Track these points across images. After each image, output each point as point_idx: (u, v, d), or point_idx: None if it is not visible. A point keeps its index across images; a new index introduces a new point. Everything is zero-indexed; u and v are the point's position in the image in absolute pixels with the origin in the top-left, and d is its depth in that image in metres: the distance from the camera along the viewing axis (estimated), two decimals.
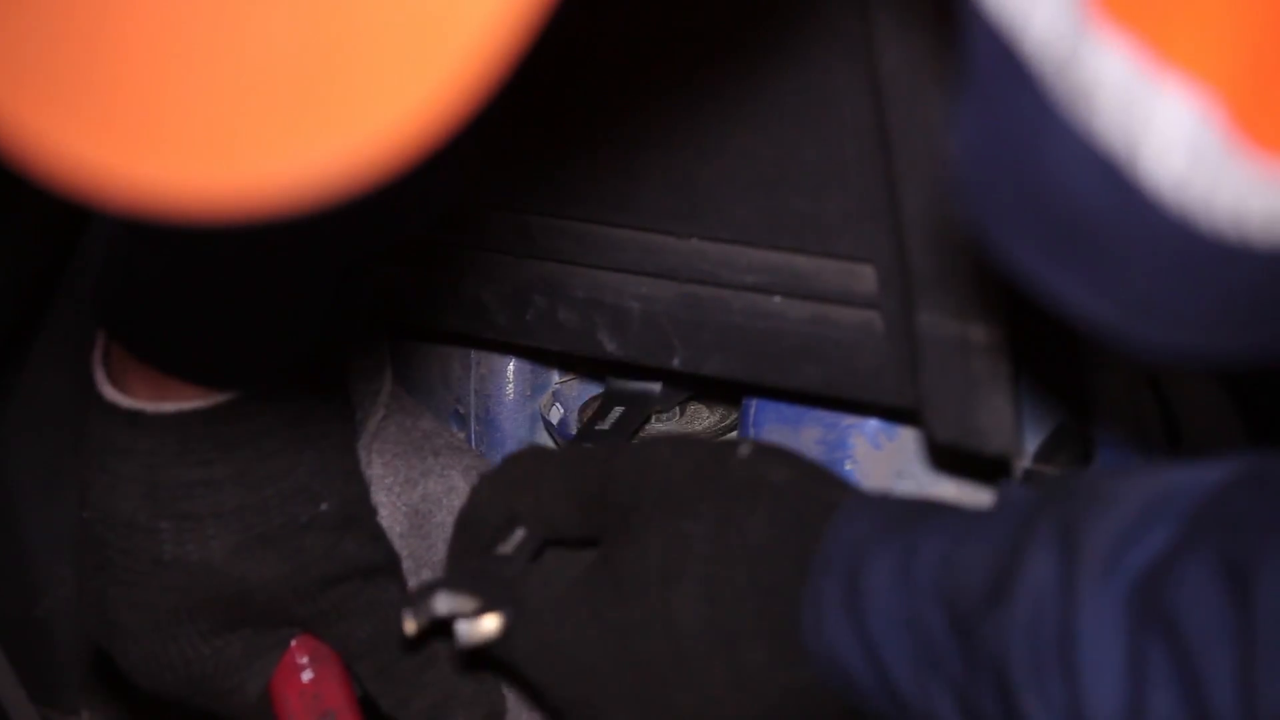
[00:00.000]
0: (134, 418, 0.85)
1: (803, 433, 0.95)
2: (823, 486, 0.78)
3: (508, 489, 0.82)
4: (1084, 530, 0.65)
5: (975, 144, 0.51)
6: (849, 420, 0.94)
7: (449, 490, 0.96)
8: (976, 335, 0.81)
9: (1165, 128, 0.46)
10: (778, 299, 0.87)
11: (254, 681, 0.90)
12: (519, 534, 0.82)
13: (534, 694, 0.84)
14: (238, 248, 0.84)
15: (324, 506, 0.87)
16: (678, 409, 1.04)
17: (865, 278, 0.84)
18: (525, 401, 1.06)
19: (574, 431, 1.02)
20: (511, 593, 0.80)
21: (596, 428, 1.00)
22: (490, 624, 0.79)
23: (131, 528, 0.86)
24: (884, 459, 0.94)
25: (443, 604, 0.78)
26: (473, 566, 0.83)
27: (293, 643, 0.90)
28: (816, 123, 0.82)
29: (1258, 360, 0.53)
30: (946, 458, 0.92)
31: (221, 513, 0.85)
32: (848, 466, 0.95)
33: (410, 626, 0.79)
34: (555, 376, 1.07)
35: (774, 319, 0.87)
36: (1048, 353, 0.87)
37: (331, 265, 0.86)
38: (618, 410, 1.01)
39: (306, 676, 0.90)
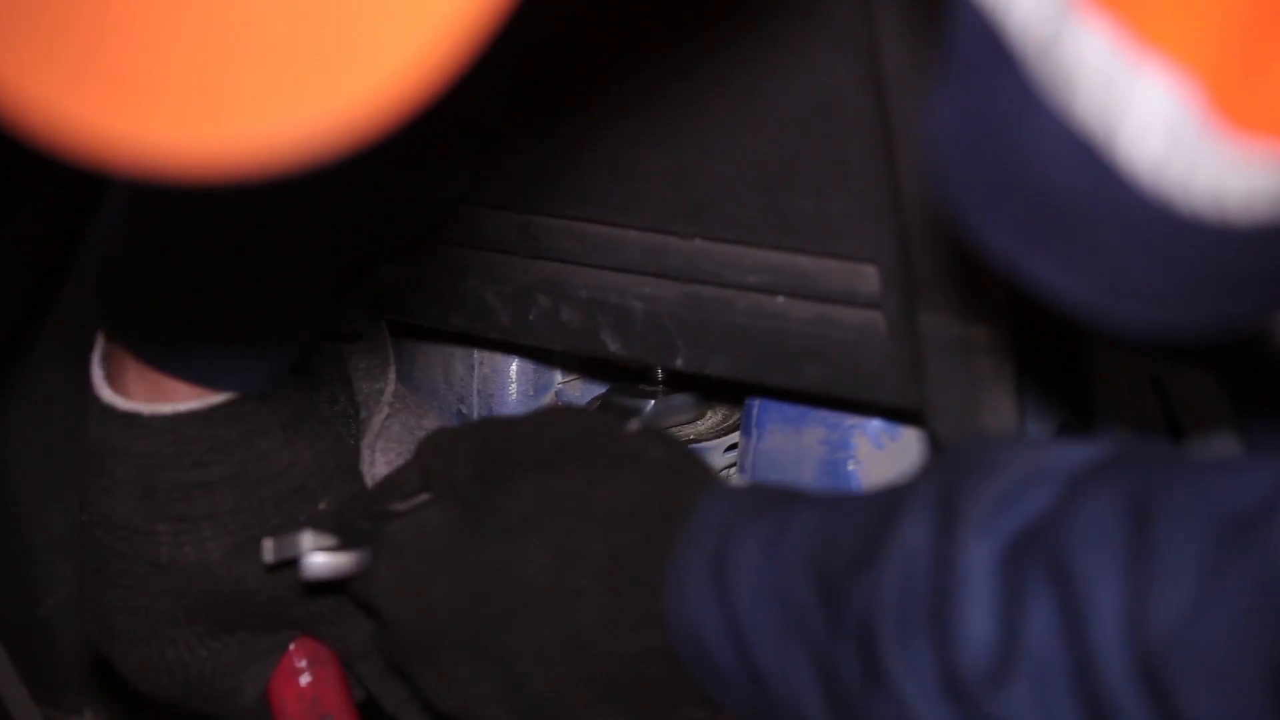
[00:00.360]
0: (131, 420, 0.85)
1: (805, 433, 0.95)
2: (698, 468, 0.78)
3: (421, 454, 0.83)
4: (962, 494, 0.64)
5: (956, 127, 0.51)
6: (851, 420, 0.94)
7: None
8: (979, 335, 0.81)
9: (1143, 110, 0.46)
10: (781, 299, 0.87)
11: (252, 685, 0.90)
12: (421, 497, 0.82)
13: (384, 639, 0.84)
14: (238, 248, 0.84)
15: (321, 506, 0.87)
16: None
17: (868, 278, 0.84)
18: (528, 402, 1.06)
19: None
20: (379, 538, 0.80)
21: None
22: (339, 560, 0.80)
23: (128, 530, 0.86)
24: (886, 459, 0.94)
25: (306, 541, 0.79)
26: (350, 514, 0.83)
27: (291, 646, 0.90)
28: (820, 123, 0.82)
29: (1230, 330, 0.54)
30: None
31: (218, 514, 0.86)
32: (850, 466, 0.95)
33: (269, 557, 0.80)
34: (558, 377, 1.07)
35: (777, 319, 0.87)
36: (1050, 352, 0.87)
37: (330, 268, 0.86)
38: None
39: (305, 680, 0.90)
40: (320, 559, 0.79)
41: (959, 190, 0.52)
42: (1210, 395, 0.86)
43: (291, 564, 0.81)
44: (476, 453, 0.80)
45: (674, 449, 0.78)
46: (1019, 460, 0.65)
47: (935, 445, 0.91)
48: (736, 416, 1.02)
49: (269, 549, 0.81)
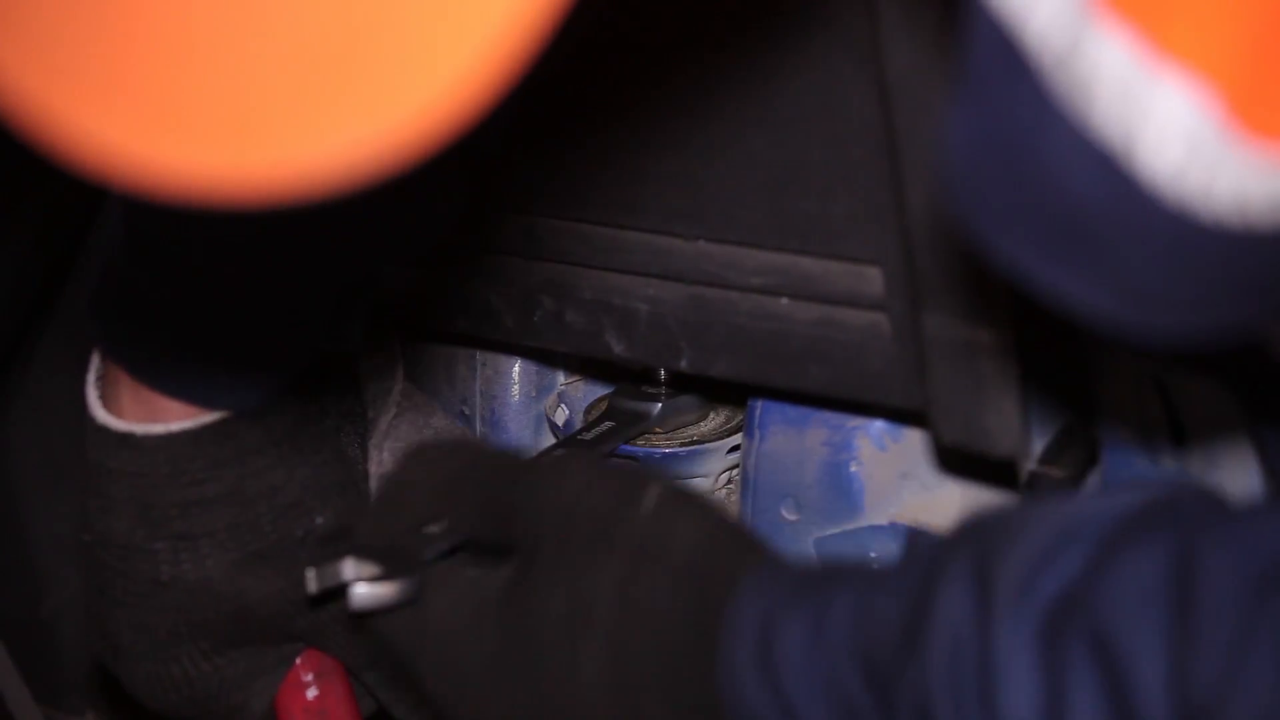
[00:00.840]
0: (125, 440, 0.85)
1: (808, 434, 0.95)
2: (728, 552, 0.75)
3: (432, 494, 0.82)
4: (996, 564, 0.64)
5: (971, 138, 0.51)
6: (854, 422, 0.94)
7: None
8: (983, 337, 0.81)
9: (1163, 118, 0.46)
10: (784, 301, 0.87)
11: (258, 699, 0.90)
12: (441, 532, 0.82)
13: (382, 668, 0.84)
14: (235, 269, 0.84)
15: (319, 520, 0.87)
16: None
17: (872, 280, 0.84)
18: (530, 403, 1.06)
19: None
20: (417, 571, 0.80)
21: (580, 436, 1.00)
22: (384, 590, 0.80)
23: (128, 549, 0.86)
24: (889, 460, 0.95)
25: (349, 570, 0.79)
26: (386, 540, 0.83)
27: (298, 659, 0.90)
28: (823, 125, 0.82)
29: (1244, 333, 0.54)
30: (952, 459, 0.93)
31: (215, 531, 0.86)
32: (853, 468, 0.95)
33: (312, 587, 0.80)
34: (560, 378, 1.07)
35: (781, 321, 0.87)
36: (1054, 354, 0.87)
37: (326, 289, 0.86)
38: (607, 424, 1.01)
39: (311, 693, 0.90)
40: (365, 589, 0.79)
41: (972, 201, 0.52)
42: (1216, 399, 0.86)
43: (334, 593, 0.81)
44: (488, 510, 0.79)
45: (700, 528, 0.76)
46: (1048, 519, 0.64)
47: (939, 447, 0.91)
48: (739, 418, 1.02)
49: (312, 579, 0.80)
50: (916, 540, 0.71)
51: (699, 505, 0.75)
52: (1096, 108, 0.47)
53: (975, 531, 0.67)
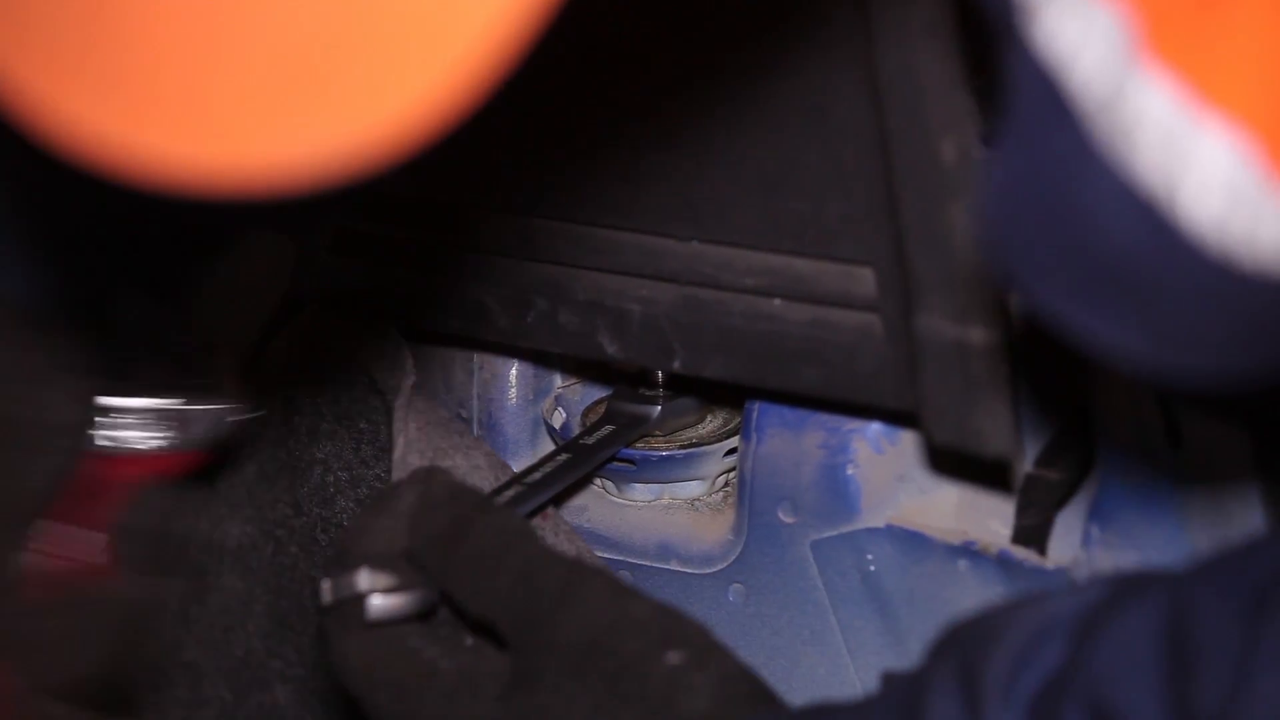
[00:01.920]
0: None
1: (805, 437, 0.95)
2: (740, 711, 0.73)
3: (433, 552, 0.80)
4: (979, 668, 0.64)
5: (1012, 182, 0.51)
6: (851, 424, 0.94)
7: (473, 468, 0.96)
8: (975, 338, 0.81)
9: (1205, 167, 0.46)
10: (777, 302, 0.87)
11: None
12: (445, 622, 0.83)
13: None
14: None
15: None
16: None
17: (864, 280, 0.84)
18: (528, 405, 1.06)
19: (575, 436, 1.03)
20: (430, 582, 0.80)
21: (582, 441, 1.00)
22: (400, 601, 0.80)
23: None
24: (885, 463, 0.94)
25: (364, 580, 0.79)
26: (396, 550, 0.83)
27: None
28: (816, 126, 0.82)
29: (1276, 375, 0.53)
30: (948, 462, 0.92)
31: None
32: (849, 471, 0.95)
33: (327, 597, 0.80)
34: (558, 380, 1.07)
35: (773, 322, 0.87)
36: (1049, 357, 0.87)
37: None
38: (607, 428, 1.01)
39: None
40: (381, 600, 0.80)
41: (1009, 246, 0.52)
42: (1212, 399, 0.86)
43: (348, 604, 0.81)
44: (490, 602, 0.77)
45: (714, 696, 0.74)
46: (1024, 620, 0.65)
47: (933, 449, 0.91)
48: (736, 420, 1.02)
49: (327, 589, 0.80)
50: (891, 679, 0.71)
51: (719, 660, 0.74)
52: (1139, 155, 0.47)
53: (953, 642, 0.67)
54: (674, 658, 0.73)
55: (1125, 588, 0.63)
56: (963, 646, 0.66)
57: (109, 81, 0.43)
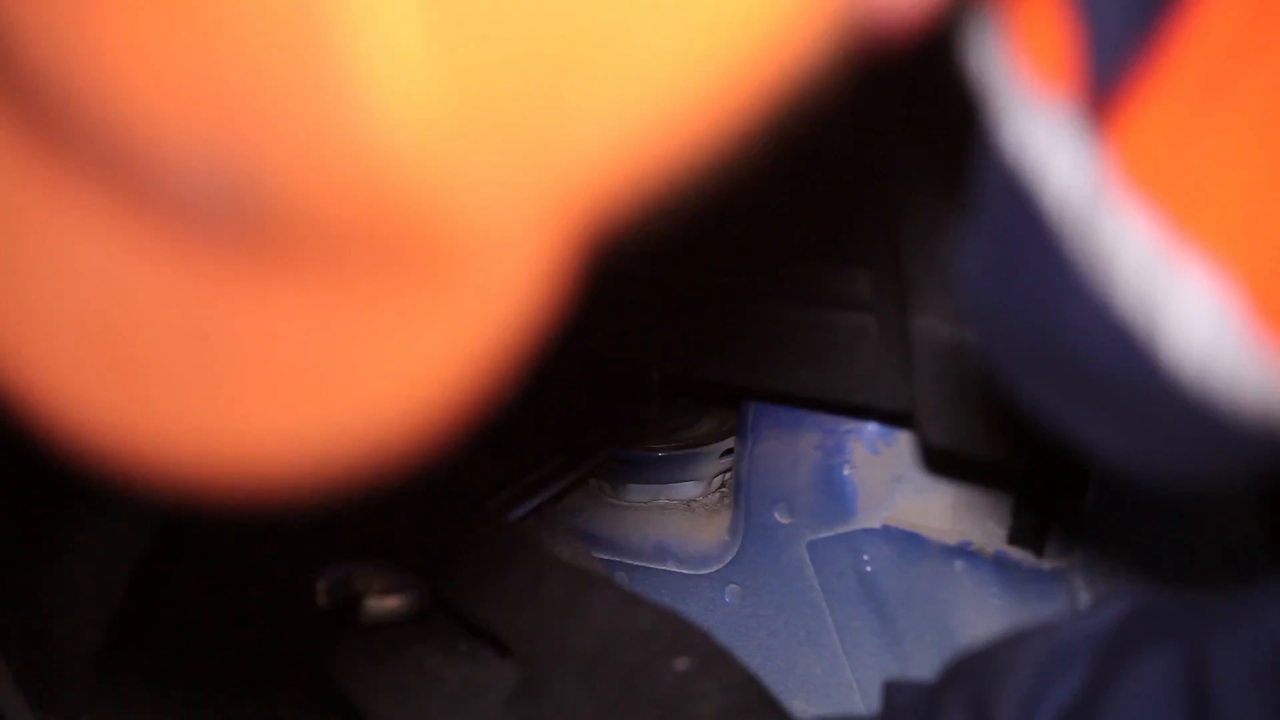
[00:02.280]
0: None
1: (801, 437, 0.95)
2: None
3: (433, 558, 0.80)
4: (992, 701, 0.63)
5: (985, 284, 0.47)
6: (847, 426, 0.94)
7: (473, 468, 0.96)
8: (969, 338, 0.81)
9: (1185, 311, 0.43)
10: (774, 303, 0.87)
11: None
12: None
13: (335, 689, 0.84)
14: None
15: None
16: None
17: (859, 281, 0.84)
18: None
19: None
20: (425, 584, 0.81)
21: (579, 441, 1.00)
22: (396, 603, 0.80)
23: None
24: (882, 464, 0.94)
25: (359, 582, 0.80)
26: (392, 553, 0.83)
27: None
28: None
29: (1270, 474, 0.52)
30: (944, 462, 0.92)
31: None
32: (846, 471, 0.95)
33: (323, 599, 0.81)
34: None
35: (770, 323, 0.87)
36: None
37: None
38: (604, 430, 1.01)
39: None
40: (376, 602, 0.80)
41: (989, 336, 0.48)
42: None
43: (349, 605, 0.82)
44: (517, 599, 0.77)
45: (718, 707, 0.73)
46: (1036, 648, 0.64)
47: (928, 450, 0.91)
48: (733, 421, 1.02)
49: (323, 590, 0.81)
50: (893, 691, 0.70)
51: (724, 667, 0.74)
52: (1118, 284, 0.43)
53: (963, 673, 0.66)
54: (682, 664, 0.73)
55: (1139, 623, 0.62)
56: (973, 678, 0.65)
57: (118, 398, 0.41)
